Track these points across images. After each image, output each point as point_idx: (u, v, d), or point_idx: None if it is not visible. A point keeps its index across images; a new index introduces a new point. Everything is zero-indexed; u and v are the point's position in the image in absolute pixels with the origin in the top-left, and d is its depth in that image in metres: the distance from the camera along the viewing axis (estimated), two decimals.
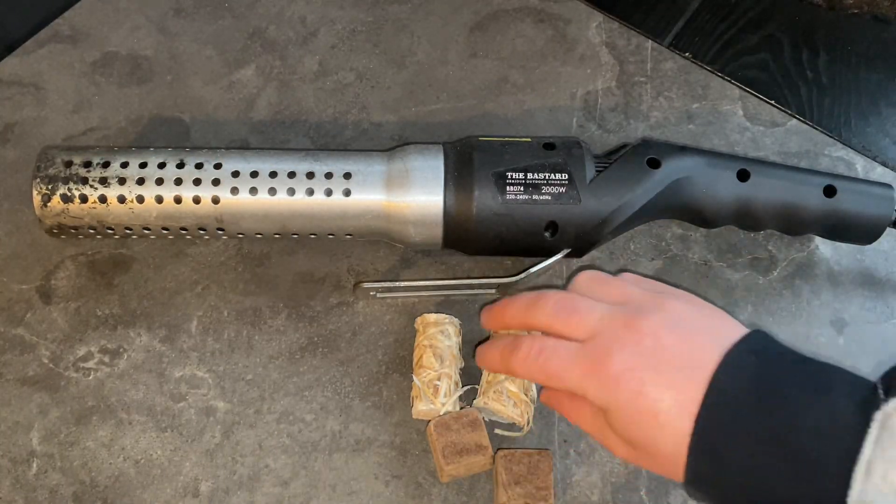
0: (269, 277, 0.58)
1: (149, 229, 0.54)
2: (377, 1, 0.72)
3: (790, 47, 0.70)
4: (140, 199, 0.53)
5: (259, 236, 0.56)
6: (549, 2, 0.72)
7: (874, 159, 0.64)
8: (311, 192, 0.53)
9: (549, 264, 0.54)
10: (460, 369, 0.53)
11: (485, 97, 0.67)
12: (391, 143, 0.64)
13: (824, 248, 0.60)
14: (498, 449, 0.49)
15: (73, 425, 0.52)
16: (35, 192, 0.53)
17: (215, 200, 0.53)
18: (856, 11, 0.72)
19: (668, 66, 0.68)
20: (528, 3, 0.72)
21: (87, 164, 0.53)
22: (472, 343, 0.55)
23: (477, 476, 0.50)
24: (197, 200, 0.53)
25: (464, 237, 0.54)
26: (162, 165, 0.53)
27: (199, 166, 0.53)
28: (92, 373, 0.54)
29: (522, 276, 0.54)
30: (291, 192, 0.53)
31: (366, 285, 0.54)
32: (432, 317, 0.53)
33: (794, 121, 0.66)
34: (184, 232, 0.55)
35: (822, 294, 0.58)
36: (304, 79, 0.67)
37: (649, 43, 0.70)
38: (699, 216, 0.56)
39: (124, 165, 0.53)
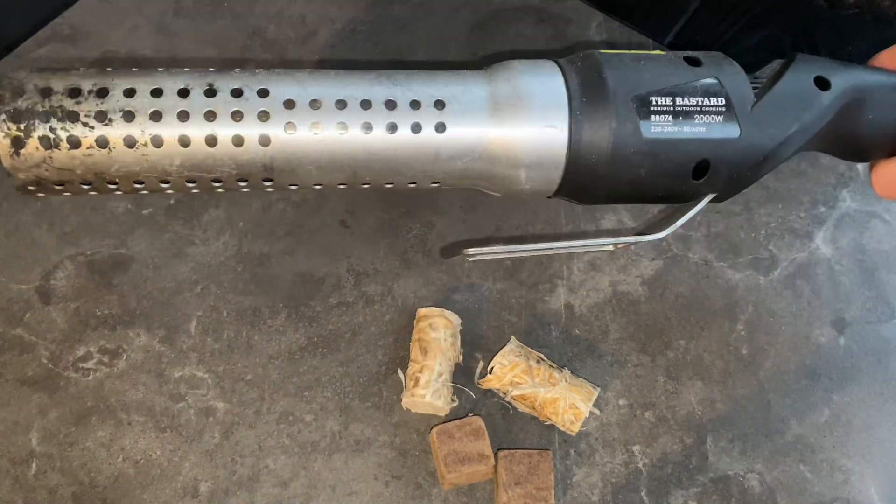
0: (269, 277, 0.58)
1: (167, 182, 0.42)
2: (377, 1, 0.72)
3: (791, 47, 0.70)
4: (157, 142, 0.40)
5: (318, 187, 0.44)
6: (550, 1, 0.72)
7: None
8: (393, 127, 0.41)
9: (694, 214, 0.45)
10: (457, 363, 0.53)
11: None
12: None
13: (825, 248, 0.60)
14: (498, 449, 0.49)
15: (72, 425, 0.52)
16: (0, 134, 0.39)
17: (264, 141, 0.40)
18: (856, 11, 0.72)
19: None
20: (529, 2, 0.72)
21: (75, 93, 0.40)
22: (473, 343, 0.55)
23: None
24: (238, 141, 0.40)
25: (589, 183, 0.44)
26: (184, 93, 0.40)
27: (237, 93, 0.40)
28: (91, 373, 0.54)
29: (661, 235, 0.45)
30: (367, 127, 0.41)
31: (469, 251, 0.44)
32: (424, 311, 0.53)
33: None
34: (216, 185, 0.43)
35: (822, 294, 0.58)
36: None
37: (650, 42, 0.70)
38: (855, 147, 0.48)
39: (129, 94, 0.40)
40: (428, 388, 0.50)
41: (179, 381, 0.54)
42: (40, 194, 0.41)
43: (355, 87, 0.42)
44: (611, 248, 0.47)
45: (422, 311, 0.53)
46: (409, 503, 0.50)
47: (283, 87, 0.41)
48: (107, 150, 0.39)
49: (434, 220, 0.60)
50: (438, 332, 0.52)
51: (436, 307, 0.53)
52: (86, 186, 0.41)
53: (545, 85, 0.42)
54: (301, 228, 0.59)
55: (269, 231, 0.59)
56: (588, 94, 0.42)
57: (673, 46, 0.69)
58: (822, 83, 0.45)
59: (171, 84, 0.40)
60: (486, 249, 0.45)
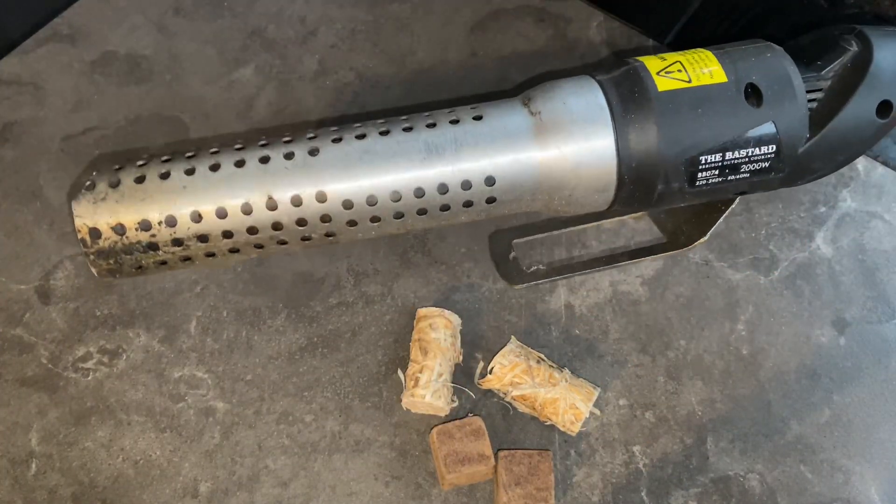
0: (269, 277, 0.57)
1: (237, 251, 0.45)
2: (377, 1, 0.72)
3: None
4: (234, 250, 0.42)
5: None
6: (550, 1, 0.72)
7: (875, 159, 0.63)
8: (445, 207, 0.42)
9: (726, 215, 0.48)
10: (457, 363, 0.53)
11: (485, 97, 0.66)
12: None
13: (825, 248, 0.60)
14: (498, 450, 0.49)
15: (72, 426, 0.52)
16: (95, 270, 0.42)
17: (329, 234, 0.43)
18: (856, 11, 0.72)
19: None
20: (529, 2, 0.72)
21: (146, 225, 0.40)
22: (473, 343, 0.55)
23: None
24: (307, 238, 0.43)
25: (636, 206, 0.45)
26: (248, 210, 0.40)
27: (297, 202, 0.41)
28: (91, 373, 0.54)
29: (696, 244, 0.49)
30: (422, 212, 0.43)
31: (522, 286, 0.49)
32: (424, 311, 0.53)
33: None
34: (284, 247, 0.45)
35: (823, 294, 0.58)
36: (304, 78, 0.67)
37: (650, 42, 0.70)
38: None
39: (197, 219, 0.40)
40: (428, 389, 0.50)
41: (179, 382, 0.53)
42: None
43: (407, 173, 0.41)
44: (662, 259, 0.48)
45: (422, 311, 0.53)
46: (409, 503, 0.50)
47: (337, 184, 0.41)
48: (190, 261, 0.42)
49: None
50: (438, 332, 0.52)
51: (436, 307, 0.53)
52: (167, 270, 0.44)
53: (597, 155, 0.42)
54: None
55: None
56: (639, 160, 0.41)
57: (673, 46, 0.69)
58: (884, 110, 0.42)
59: (232, 202, 0.40)
60: (546, 281, 0.49)
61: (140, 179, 0.40)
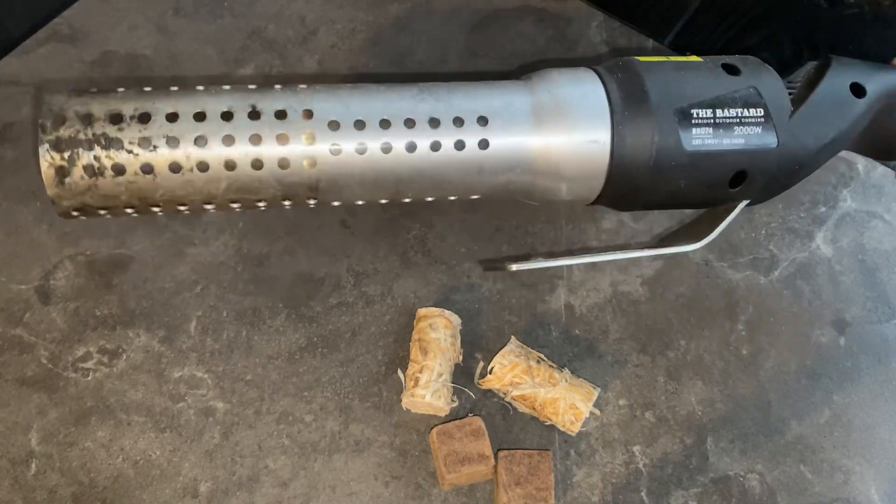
0: (269, 277, 0.57)
1: (211, 203, 0.41)
2: (377, 1, 0.72)
3: (791, 47, 0.70)
4: (203, 167, 0.39)
5: (360, 203, 0.44)
6: (550, 1, 0.72)
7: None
8: (437, 145, 0.40)
9: (729, 222, 0.46)
10: (457, 363, 0.53)
11: None
12: None
13: (825, 248, 0.60)
14: (498, 450, 0.49)
15: (71, 426, 0.52)
16: (44, 164, 0.37)
17: (310, 163, 0.40)
18: (857, 11, 0.72)
19: None
20: (529, 2, 0.72)
21: (117, 119, 0.38)
22: (473, 343, 0.55)
23: None
24: (284, 164, 0.39)
25: (629, 193, 0.44)
26: (228, 116, 0.39)
27: (281, 115, 0.39)
28: (91, 373, 0.54)
29: (701, 244, 0.45)
30: (412, 147, 0.40)
31: (513, 267, 0.45)
32: (424, 311, 0.53)
33: None
34: (260, 204, 0.42)
35: (823, 294, 0.58)
36: (304, 78, 0.67)
37: (650, 42, 0.70)
38: (890, 148, 0.48)
39: (172, 118, 0.38)
40: (428, 389, 0.50)
41: (179, 382, 0.53)
42: (82, 218, 0.41)
43: (398, 104, 0.41)
44: (650, 257, 0.47)
45: (421, 312, 0.53)
46: (409, 503, 0.50)
47: (327, 105, 0.40)
48: (152, 176, 0.39)
49: (434, 220, 0.60)
50: (438, 332, 0.52)
51: (436, 307, 0.53)
52: (129, 210, 0.41)
53: (587, 98, 0.42)
54: (301, 228, 0.59)
55: (268, 231, 0.59)
56: (630, 106, 0.42)
57: (673, 46, 0.69)
58: (858, 90, 0.44)
59: (213, 107, 0.39)
60: (529, 264, 0.46)
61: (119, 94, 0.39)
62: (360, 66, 0.68)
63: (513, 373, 0.51)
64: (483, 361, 0.54)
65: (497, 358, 0.52)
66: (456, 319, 0.53)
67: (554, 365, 0.53)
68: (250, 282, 0.57)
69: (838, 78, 0.45)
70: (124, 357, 0.54)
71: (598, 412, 0.53)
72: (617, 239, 0.59)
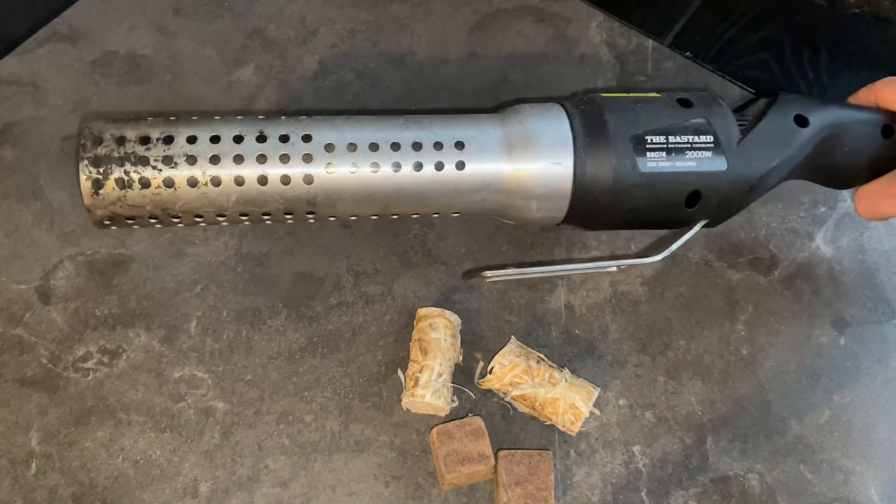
0: (269, 277, 0.58)
1: (223, 216, 0.47)
2: (377, 1, 0.72)
3: (791, 47, 0.70)
4: (216, 182, 0.45)
5: (353, 218, 0.50)
6: (550, 1, 0.72)
7: None
8: (419, 165, 0.47)
9: (687, 240, 0.50)
10: (457, 363, 0.53)
11: (485, 97, 0.66)
12: None
13: (825, 248, 0.60)
14: (498, 449, 0.49)
15: (71, 426, 0.52)
16: (83, 177, 0.44)
17: (308, 180, 0.46)
18: (857, 11, 0.72)
19: (668, 65, 0.68)
20: (529, 2, 0.72)
21: (145, 140, 0.45)
22: (473, 343, 0.55)
23: None
24: (286, 181, 0.46)
25: (593, 212, 0.49)
26: (239, 139, 0.45)
27: (284, 139, 0.46)
28: (91, 373, 0.54)
29: (658, 258, 0.50)
30: (397, 167, 0.46)
31: (488, 274, 0.51)
32: (424, 311, 0.53)
33: None
34: (266, 217, 0.48)
35: (823, 294, 0.58)
36: (304, 78, 0.67)
37: (650, 42, 0.70)
38: (835, 176, 0.52)
39: (192, 140, 0.45)
40: (428, 389, 0.50)
41: (179, 381, 0.53)
42: (114, 227, 0.48)
43: (385, 131, 0.47)
44: (614, 269, 0.53)
45: (421, 311, 0.53)
46: (408, 503, 0.50)
47: (323, 131, 0.47)
48: (172, 189, 0.45)
49: (434, 221, 0.60)
50: (438, 332, 0.52)
51: (436, 307, 0.53)
52: (153, 220, 0.47)
53: (552, 126, 0.48)
54: (301, 228, 0.59)
55: (268, 231, 0.59)
56: (591, 134, 0.47)
57: (673, 46, 0.69)
58: (802, 121, 0.49)
59: (226, 131, 0.46)
60: (502, 273, 0.51)
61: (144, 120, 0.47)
62: (361, 66, 0.68)
63: (513, 373, 0.51)
64: (483, 361, 0.54)
65: (497, 358, 0.52)
66: (456, 319, 0.53)
67: (554, 365, 0.53)
68: (250, 282, 0.57)
69: (784, 110, 0.50)
70: (124, 357, 0.54)
71: (597, 412, 0.53)
72: (616, 241, 0.59)
